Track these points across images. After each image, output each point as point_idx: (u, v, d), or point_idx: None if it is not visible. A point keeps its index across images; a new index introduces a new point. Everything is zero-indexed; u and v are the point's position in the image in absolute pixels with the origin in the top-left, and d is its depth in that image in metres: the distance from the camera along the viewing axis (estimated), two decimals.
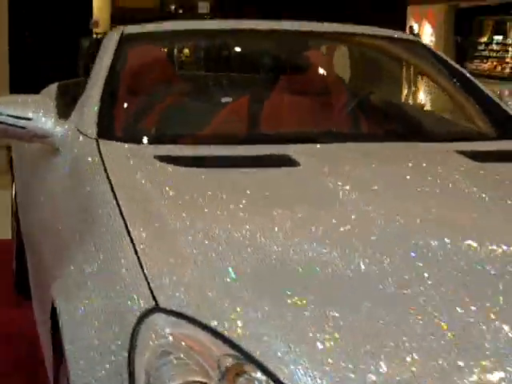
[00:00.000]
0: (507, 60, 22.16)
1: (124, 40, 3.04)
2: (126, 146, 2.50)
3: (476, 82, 3.16)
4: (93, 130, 2.59)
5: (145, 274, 1.73)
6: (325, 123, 2.99)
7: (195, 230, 1.90)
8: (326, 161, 2.39)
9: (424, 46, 3.39)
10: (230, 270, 1.74)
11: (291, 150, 2.46)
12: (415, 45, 3.40)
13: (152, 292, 1.67)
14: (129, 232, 1.89)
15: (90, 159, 2.41)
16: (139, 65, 3.05)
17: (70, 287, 1.86)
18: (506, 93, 8.89)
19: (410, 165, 2.42)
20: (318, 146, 2.56)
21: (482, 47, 22.99)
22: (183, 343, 1.57)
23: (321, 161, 2.38)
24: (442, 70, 3.23)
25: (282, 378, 1.49)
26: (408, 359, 1.51)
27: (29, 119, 2.72)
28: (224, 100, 3.07)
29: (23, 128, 2.73)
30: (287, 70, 3.26)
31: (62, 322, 1.78)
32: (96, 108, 2.70)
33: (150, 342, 1.58)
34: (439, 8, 22.64)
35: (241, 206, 2.07)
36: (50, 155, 2.83)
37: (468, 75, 3.21)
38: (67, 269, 1.95)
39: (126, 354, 1.58)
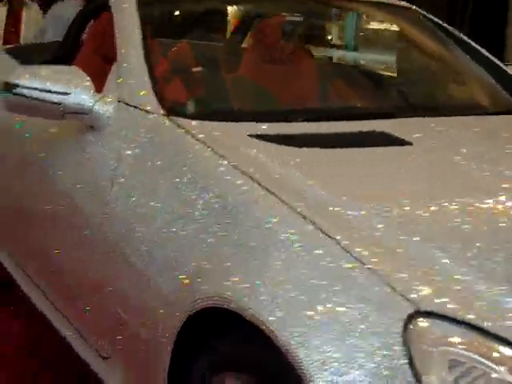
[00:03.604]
0: None
1: (142, 3, 2.71)
2: (208, 123, 2.23)
3: (483, 50, 3.14)
4: (156, 106, 2.29)
5: (380, 276, 1.54)
6: (381, 97, 2.87)
7: (386, 218, 1.72)
8: (432, 137, 2.28)
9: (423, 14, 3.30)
10: (460, 261, 1.59)
11: (380, 125, 2.32)
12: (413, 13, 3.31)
13: (404, 295, 1.49)
14: (325, 233, 1.65)
15: (182, 141, 2.12)
16: (176, 32, 2.74)
17: (288, 311, 1.57)
18: None
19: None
20: (402, 120, 2.44)
21: None
22: (467, 350, 1.42)
23: (429, 138, 2.27)
24: (445, 39, 3.18)
25: None
26: None
27: (65, 94, 2.37)
28: (286, 73, 2.83)
29: (58, 104, 2.38)
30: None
31: (304, 357, 1.50)
32: (147, 80, 2.39)
33: (430, 353, 1.42)
34: None
35: (402, 188, 1.91)
36: (82, 134, 2.49)
37: (473, 44, 3.18)
38: (258, 288, 1.64)
39: (408, 371, 1.41)
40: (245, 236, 1.77)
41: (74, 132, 2.54)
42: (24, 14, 7.24)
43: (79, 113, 2.39)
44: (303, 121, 2.33)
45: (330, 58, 3.08)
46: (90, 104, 2.37)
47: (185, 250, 1.91)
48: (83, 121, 2.43)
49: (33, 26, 7.31)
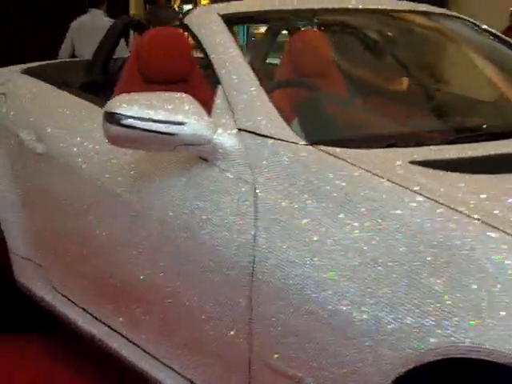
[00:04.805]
0: None
1: (228, 22, 2.49)
2: (360, 152, 2.02)
3: None
4: (293, 135, 2.07)
5: None
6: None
7: None
8: None
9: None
10: None
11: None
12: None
13: None
14: None
15: (348, 173, 1.91)
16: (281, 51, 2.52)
17: None
18: None
19: None
20: None
21: None
22: None
23: None
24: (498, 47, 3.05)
25: None
26: None
27: (180, 124, 2.12)
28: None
29: (173, 135, 2.12)
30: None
31: None
32: (271, 106, 2.16)
33: None
34: None
35: None
36: (191, 166, 2.23)
37: None
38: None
39: None
40: (471, 278, 1.59)
41: (177, 164, 2.28)
42: None
43: (194, 144, 2.15)
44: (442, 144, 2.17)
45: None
46: (208, 134, 2.13)
47: (393, 298, 1.70)
48: (196, 152, 2.19)
49: None
